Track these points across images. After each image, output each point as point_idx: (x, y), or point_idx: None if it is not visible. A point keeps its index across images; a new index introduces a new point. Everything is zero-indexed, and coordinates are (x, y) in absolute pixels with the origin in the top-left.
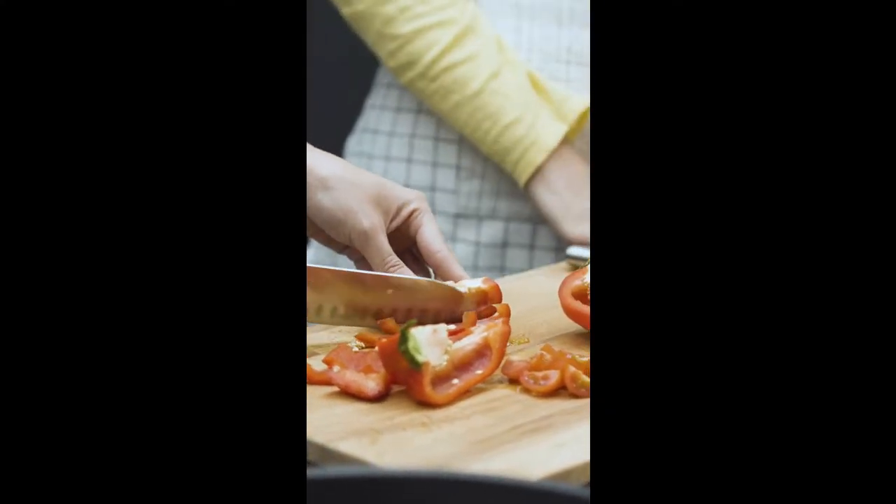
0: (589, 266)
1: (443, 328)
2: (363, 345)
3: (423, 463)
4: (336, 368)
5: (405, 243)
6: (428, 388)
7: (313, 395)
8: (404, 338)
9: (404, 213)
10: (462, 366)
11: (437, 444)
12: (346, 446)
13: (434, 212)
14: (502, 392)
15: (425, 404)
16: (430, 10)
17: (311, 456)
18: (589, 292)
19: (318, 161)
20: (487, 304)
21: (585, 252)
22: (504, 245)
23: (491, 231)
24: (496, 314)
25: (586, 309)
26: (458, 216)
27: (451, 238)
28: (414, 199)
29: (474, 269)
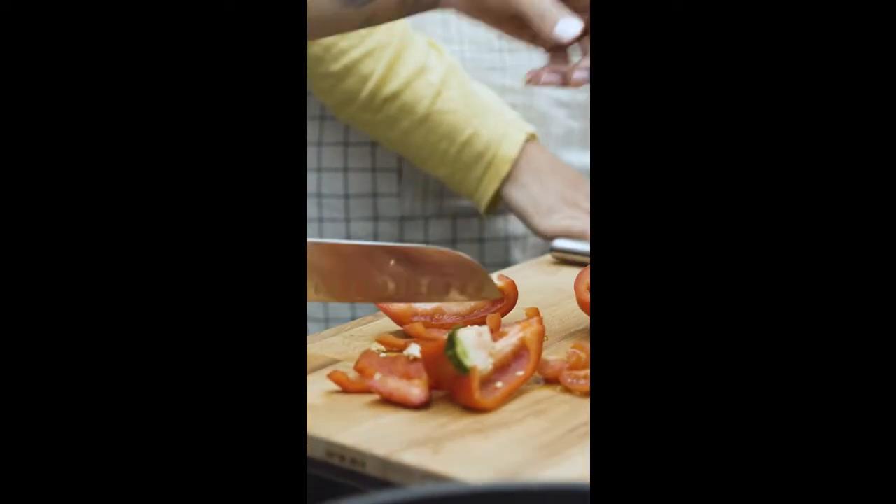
0: None
1: (486, 330)
2: (384, 348)
3: (494, 472)
4: (377, 376)
5: None
6: (477, 394)
7: (352, 404)
8: (452, 342)
9: None
10: (501, 368)
11: (502, 452)
12: (410, 457)
13: (378, 217)
14: (543, 393)
15: (474, 409)
16: (356, 42)
17: (371, 469)
18: None
19: None
20: (504, 301)
21: (571, 244)
22: (453, 241)
23: (438, 230)
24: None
25: None
26: (404, 219)
27: (399, 239)
28: None
29: None
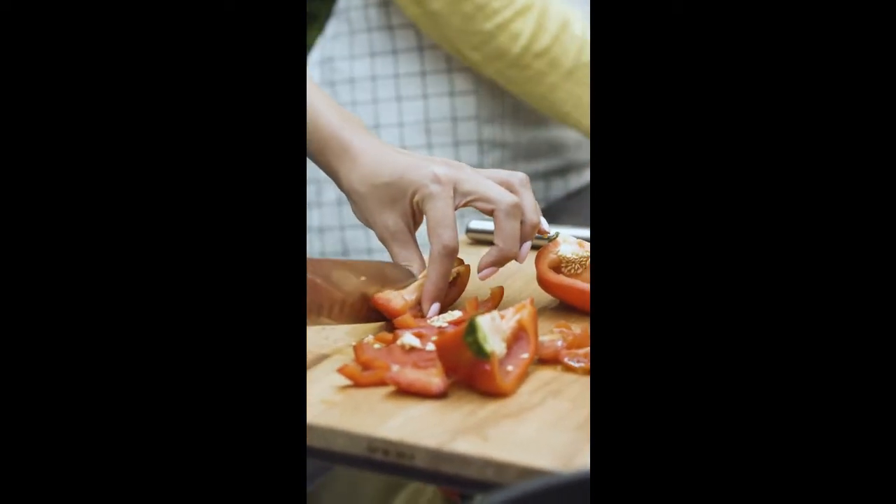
0: (559, 238)
1: (497, 314)
2: (373, 341)
3: (553, 456)
4: (395, 368)
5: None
6: (499, 377)
7: (371, 398)
8: (472, 328)
9: (415, 205)
10: (507, 351)
11: (546, 435)
12: (463, 446)
13: None
14: (546, 373)
15: (494, 394)
16: (506, 3)
17: (420, 462)
18: (562, 265)
19: (344, 170)
20: (457, 285)
21: (486, 225)
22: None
23: None
24: (489, 298)
25: (566, 280)
26: None
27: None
28: (425, 183)
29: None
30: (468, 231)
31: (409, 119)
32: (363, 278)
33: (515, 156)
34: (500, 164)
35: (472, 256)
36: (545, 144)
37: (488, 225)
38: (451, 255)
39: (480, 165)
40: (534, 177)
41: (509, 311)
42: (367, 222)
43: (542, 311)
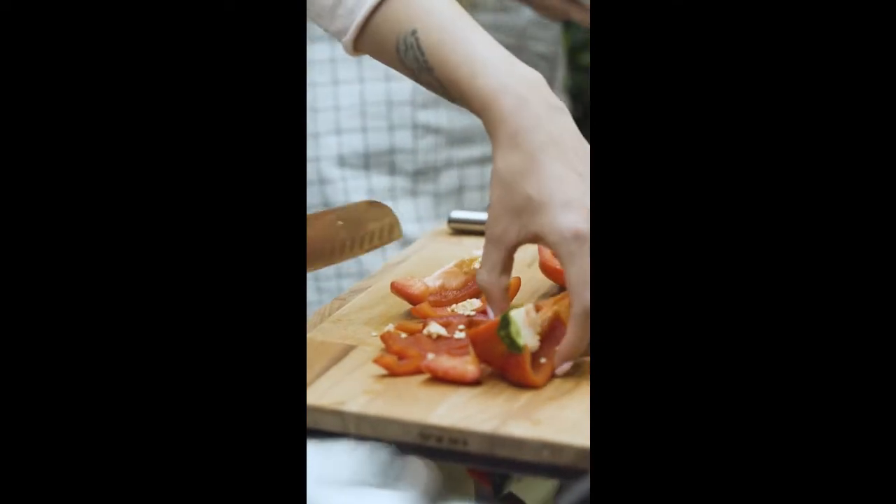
0: None
1: (532, 308)
2: (396, 331)
3: None
4: (431, 356)
5: None
6: (530, 372)
7: (410, 387)
8: (506, 322)
9: (541, 241)
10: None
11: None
12: (517, 430)
13: (394, 172)
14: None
15: (525, 386)
16: None
17: (474, 447)
18: None
19: (493, 138)
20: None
21: (468, 214)
22: (460, 190)
23: (447, 179)
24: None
25: None
26: (418, 173)
27: (412, 192)
28: (565, 237)
29: (435, 218)
30: (450, 221)
31: (345, 103)
32: (340, 223)
33: (450, 141)
34: (434, 149)
35: (455, 247)
36: (480, 130)
37: (471, 215)
38: (589, 315)
39: (414, 150)
40: (469, 162)
41: (548, 302)
42: (490, 196)
43: (544, 298)
